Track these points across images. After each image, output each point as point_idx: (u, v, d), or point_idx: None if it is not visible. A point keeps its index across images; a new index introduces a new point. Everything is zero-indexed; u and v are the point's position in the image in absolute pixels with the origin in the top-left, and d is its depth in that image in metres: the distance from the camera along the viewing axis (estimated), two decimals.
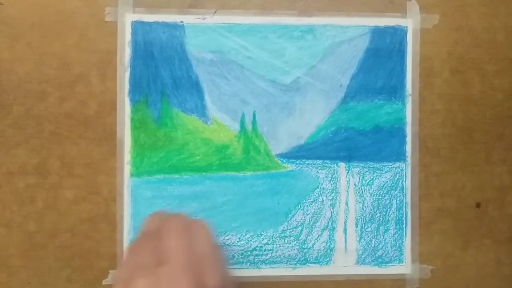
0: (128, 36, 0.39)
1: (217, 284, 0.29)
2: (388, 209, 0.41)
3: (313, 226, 0.40)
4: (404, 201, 0.41)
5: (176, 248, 0.29)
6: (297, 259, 0.40)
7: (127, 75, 0.39)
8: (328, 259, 0.40)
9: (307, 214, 0.40)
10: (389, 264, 0.41)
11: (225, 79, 0.40)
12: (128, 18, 0.39)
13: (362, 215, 0.41)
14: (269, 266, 0.40)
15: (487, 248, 0.41)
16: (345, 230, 0.40)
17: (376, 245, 0.41)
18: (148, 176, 0.39)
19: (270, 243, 0.40)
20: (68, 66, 0.39)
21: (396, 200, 0.41)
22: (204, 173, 0.39)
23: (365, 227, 0.41)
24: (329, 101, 0.40)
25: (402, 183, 0.41)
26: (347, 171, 0.40)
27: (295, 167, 0.40)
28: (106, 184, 0.39)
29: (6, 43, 0.38)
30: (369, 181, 0.41)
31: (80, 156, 0.39)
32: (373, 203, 0.41)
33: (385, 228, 0.41)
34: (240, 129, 0.40)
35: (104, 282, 0.39)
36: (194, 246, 0.30)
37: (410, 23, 0.40)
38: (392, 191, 0.41)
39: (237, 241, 0.40)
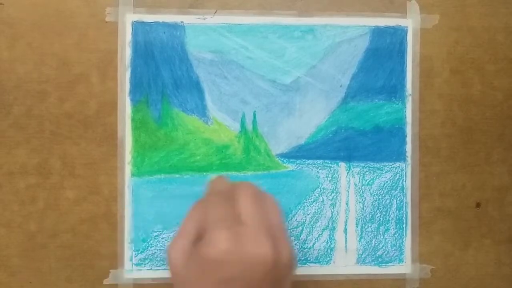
0: (128, 36, 0.39)
1: (290, 253, 0.29)
2: (388, 209, 0.41)
3: (314, 226, 0.40)
4: (404, 201, 0.41)
5: (254, 213, 0.29)
6: (297, 259, 0.40)
7: (127, 75, 0.39)
8: (328, 258, 0.40)
9: (308, 214, 0.40)
10: (389, 264, 0.41)
11: (226, 79, 0.40)
12: (128, 18, 0.39)
13: (362, 215, 0.41)
14: None
15: (487, 248, 0.41)
16: (345, 230, 0.40)
17: (376, 245, 0.41)
18: (149, 176, 0.39)
19: None
20: (68, 66, 0.39)
21: (396, 200, 0.41)
22: (204, 173, 0.39)
23: (365, 227, 0.41)
24: (329, 101, 0.40)
25: (402, 183, 0.41)
26: (347, 171, 0.40)
27: (295, 167, 0.40)
28: (106, 184, 0.39)
29: (6, 43, 0.38)
30: (369, 181, 0.41)
31: (81, 156, 0.39)
32: (373, 203, 0.41)
33: (385, 228, 0.41)
34: (241, 129, 0.40)
35: (104, 282, 0.39)
36: (267, 215, 0.30)
37: (410, 23, 0.40)
38: (392, 191, 0.41)
39: None
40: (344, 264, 0.40)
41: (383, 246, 0.41)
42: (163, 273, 0.39)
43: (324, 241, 0.40)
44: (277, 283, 0.29)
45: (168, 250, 0.30)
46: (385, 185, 0.41)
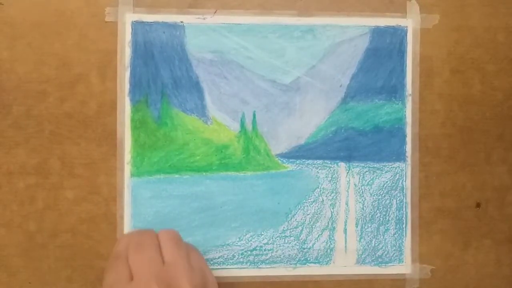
0: (128, 36, 0.39)
1: (192, 286, 0.30)
2: (388, 209, 0.41)
3: (313, 226, 0.40)
4: (404, 201, 0.41)
5: (139, 262, 0.31)
6: (297, 259, 0.40)
7: (127, 75, 0.39)
8: (328, 259, 0.40)
9: (307, 214, 0.40)
10: (389, 264, 0.41)
11: (225, 79, 0.40)
12: (128, 18, 0.39)
13: (362, 215, 0.41)
14: (269, 266, 0.40)
15: (487, 248, 0.41)
16: (345, 230, 0.40)
17: (376, 245, 0.41)
18: (148, 176, 0.39)
19: (270, 243, 0.40)
20: (68, 66, 0.39)
21: (396, 200, 0.41)
22: (204, 173, 0.39)
23: (365, 227, 0.41)
24: (329, 101, 0.40)
25: (402, 183, 0.41)
26: (347, 171, 0.40)
27: (295, 167, 0.40)
28: (106, 184, 0.39)
29: (6, 43, 0.38)
30: (369, 181, 0.41)
31: (80, 156, 0.39)
32: (373, 203, 0.41)
33: (385, 228, 0.41)
34: (240, 129, 0.40)
35: None
36: (158, 256, 0.31)
37: (410, 23, 0.40)
38: (392, 191, 0.41)
39: (237, 241, 0.40)
40: (344, 264, 0.40)
41: (383, 246, 0.41)
42: None
43: (324, 241, 0.40)
44: None
45: None
46: (385, 185, 0.41)
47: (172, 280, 0.30)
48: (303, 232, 0.40)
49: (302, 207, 0.40)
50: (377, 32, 0.40)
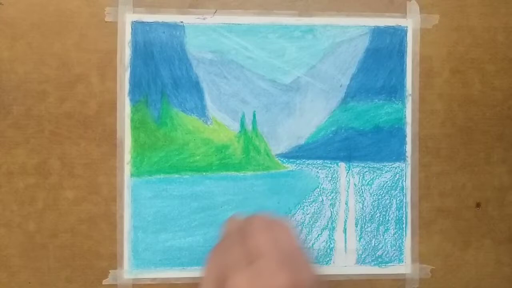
0: (128, 36, 0.39)
1: (312, 278, 0.29)
2: (388, 209, 0.41)
3: (313, 226, 0.40)
4: (404, 201, 0.41)
5: (266, 244, 0.29)
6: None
7: (127, 75, 0.39)
8: (328, 259, 0.40)
9: (307, 214, 0.40)
10: (389, 264, 0.41)
11: (225, 79, 0.40)
12: (128, 18, 0.39)
13: (362, 215, 0.41)
14: None
15: (487, 248, 0.41)
16: (345, 230, 0.40)
17: (376, 245, 0.41)
18: (148, 176, 0.39)
19: None
20: (68, 66, 0.39)
21: (396, 200, 0.41)
22: (204, 173, 0.39)
23: (365, 227, 0.41)
24: (329, 101, 0.40)
25: (402, 183, 0.41)
26: (347, 171, 0.40)
27: (295, 167, 0.40)
28: (106, 184, 0.39)
29: (6, 43, 0.38)
30: (369, 181, 0.41)
31: (80, 156, 0.39)
32: (373, 203, 0.41)
33: (385, 228, 0.41)
34: (240, 129, 0.40)
35: (104, 282, 0.39)
36: (281, 242, 0.30)
37: (410, 23, 0.40)
38: (392, 191, 0.41)
39: None
40: (344, 264, 0.40)
41: (382, 246, 0.41)
42: (162, 273, 0.39)
43: (324, 241, 0.40)
44: None
45: None
46: (385, 185, 0.41)
47: (295, 268, 0.29)
48: (303, 232, 0.40)
49: (302, 207, 0.40)
50: (377, 32, 0.40)
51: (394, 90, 0.41)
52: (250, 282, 0.27)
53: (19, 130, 0.38)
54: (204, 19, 0.39)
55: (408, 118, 0.41)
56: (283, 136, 0.40)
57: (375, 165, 0.41)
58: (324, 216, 0.40)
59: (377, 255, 0.41)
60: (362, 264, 0.41)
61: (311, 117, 0.40)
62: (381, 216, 0.41)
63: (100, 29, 0.39)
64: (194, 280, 0.39)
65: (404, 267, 0.41)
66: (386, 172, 0.41)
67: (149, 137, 0.39)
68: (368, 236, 0.40)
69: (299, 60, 0.40)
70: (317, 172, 0.40)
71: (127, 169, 0.39)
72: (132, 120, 0.39)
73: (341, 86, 0.40)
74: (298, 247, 0.31)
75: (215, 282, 0.30)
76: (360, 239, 0.40)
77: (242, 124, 0.40)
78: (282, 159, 0.40)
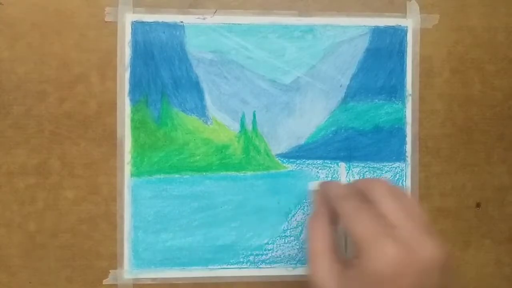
0: (128, 36, 0.39)
1: (445, 247, 0.26)
2: None
3: None
4: None
5: (401, 211, 0.27)
6: (297, 259, 0.40)
7: (127, 75, 0.39)
8: None
9: (307, 214, 0.40)
10: None
11: (225, 79, 0.40)
12: (128, 18, 0.39)
13: None
14: (269, 266, 0.40)
15: (487, 248, 0.41)
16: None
17: None
18: (148, 176, 0.39)
19: (270, 243, 0.40)
20: (68, 66, 0.39)
21: None
22: (204, 173, 0.39)
23: None
24: (329, 101, 0.40)
25: (402, 183, 0.41)
26: (347, 171, 0.40)
27: (295, 167, 0.40)
28: (106, 184, 0.39)
29: (6, 43, 0.38)
30: None
31: (80, 156, 0.39)
32: None
33: None
34: (240, 129, 0.40)
35: (104, 282, 0.39)
36: (413, 211, 0.27)
37: (410, 23, 0.40)
38: None
39: (237, 241, 0.40)
40: None
41: None
42: (162, 273, 0.39)
43: None
44: (450, 285, 0.26)
45: (314, 279, 0.28)
46: None
47: (431, 235, 0.26)
48: (303, 232, 0.40)
49: (302, 207, 0.40)
50: (377, 32, 0.40)
51: (394, 90, 0.41)
52: (397, 249, 0.25)
53: (19, 130, 0.38)
54: (204, 19, 0.39)
55: (408, 118, 0.41)
56: (283, 136, 0.40)
57: (375, 165, 0.41)
58: None
59: None
60: None
61: (311, 117, 0.40)
62: None
63: (100, 29, 0.39)
64: (194, 280, 0.39)
65: None
66: (386, 172, 0.41)
67: (149, 137, 0.39)
68: None
69: (299, 60, 0.40)
70: (317, 172, 0.40)
71: (127, 169, 0.39)
72: (132, 120, 0.39)
73: (341, 86, 0.40)
74: (427, 219, 0.28)
75: (333, 251, 0.28)
76: None
77: (242, 124, 0.40)
78: (282, 159, 0.40)
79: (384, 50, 0.40)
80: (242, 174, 0.40)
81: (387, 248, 0.25)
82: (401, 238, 0.25)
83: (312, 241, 0.29)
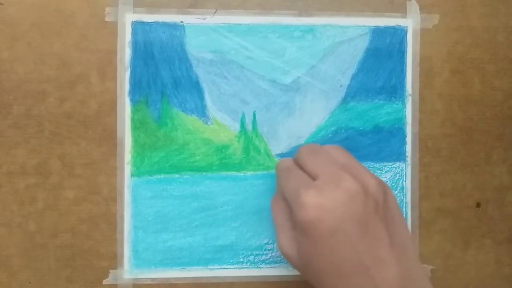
0: (128, 36, 0.39)
1: (373, 178, 0.30)
2: None
3: None
4: (404, 201, 0.41)
5: (320, 163, 0.31)
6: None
7: (127, 75, 0.39)
8: None
9: None
10: None
11: (225, 79, 0.40)
12: (128, 18, 0.39)
13: None
14: (269, 266, 0.40)
15: (487, 248, 0.41)
16: None
17: None
18: (149, 176, 0.39)
19: (270, 243, 0.40)
20: (68, 66, 0.39)
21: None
22: (204, 173, 0.39)
23: None
24: (329, 101, 0.40)
25: (402, 183, 0.41)
26: None
27: None
28: (106, 184, 0.39)
29: (6, 43, 0.38)
30: None
31: (80, 156, 0.39)
32: None
33: None
34: (240, 129, 0.40)
35: (104, 282, 0.39)
36: (334, 158, 0.31)
37: (410, 23, 0.40)
38: (392, 191, 0.41)
39: (237, 241, 0.40)
40: None
41: None
42: (162, 273, 0.39)
43: None
44: (383, 211, 0.29)
45: (281, 250, 0.32)
46: None
47: (356, 170, 0.30)
48: None
49: None
50: (377, 32, 0.40)
51: (394, 90, 0.41)
52: (316, 196, 0.28)
53: (19, 130, 0.39)
54: (204, 19, 0.39)
55: (408, 118, 0.41)
56: (283, 136, 0.40)
57: (375, 165, 0.41)
58: None
59: None
60: None
61: (311, 117, 0.40)
62: None
63: (100, 29, 0.39)
64: (194, 280, 0.39)
65: None
66: (386, 172, 0.41)
67: (149, 137, 0.39)
68: None
69: (299, 60, 0.40)
70: None
71: (127, 169, 0.39)
72: (132, 120, 0.39)
73: (341, 86, 0.40)
74: (351, 159, 0.32)
75: (288, 223, 0.31)
76: None
77: (242, 124, 0.40)
78: None
79: (384, 50, 0.40)
80: (242, 174, 0.40)
81: (305, 198, 0.28)
82: (319, 186, 0.29)
83: (273, 217, 0.33)
